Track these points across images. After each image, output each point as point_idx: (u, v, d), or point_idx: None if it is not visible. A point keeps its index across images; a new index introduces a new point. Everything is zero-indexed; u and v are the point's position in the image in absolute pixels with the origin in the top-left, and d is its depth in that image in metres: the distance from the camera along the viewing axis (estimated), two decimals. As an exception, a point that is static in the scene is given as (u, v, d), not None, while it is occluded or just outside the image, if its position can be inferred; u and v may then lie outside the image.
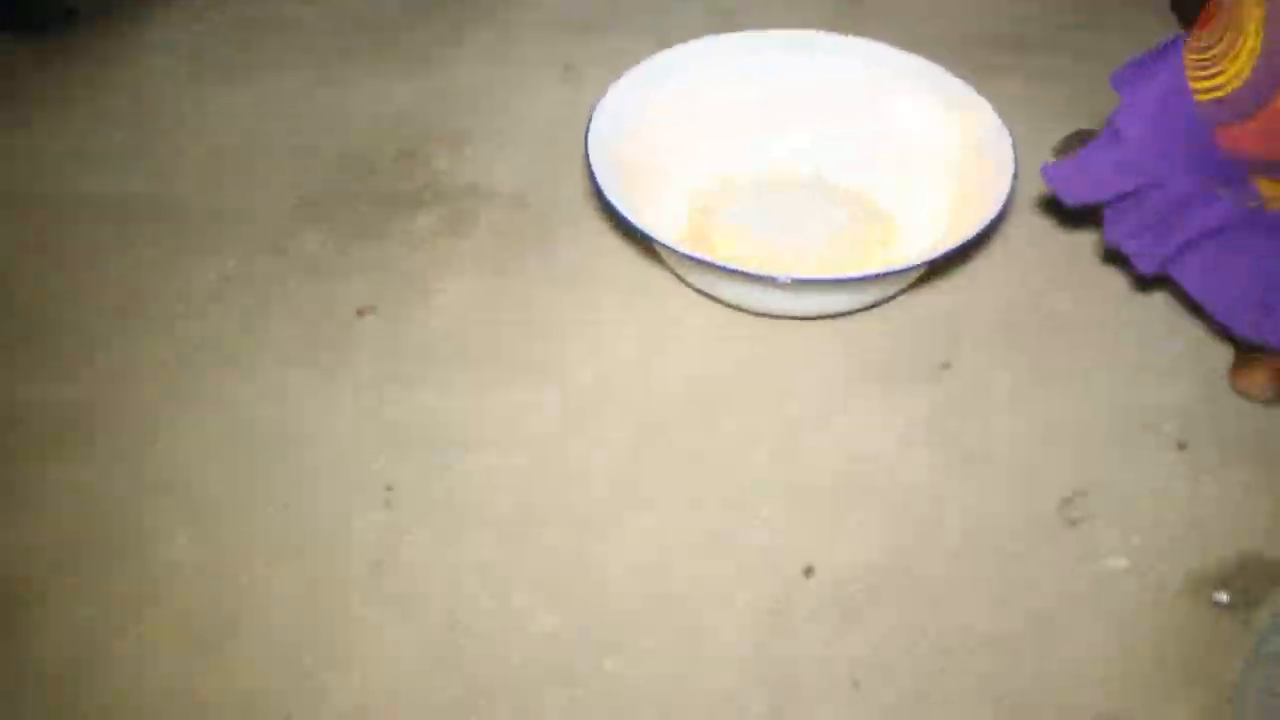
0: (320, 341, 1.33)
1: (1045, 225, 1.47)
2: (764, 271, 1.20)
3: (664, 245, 1.20)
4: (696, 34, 1.65)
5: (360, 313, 1.36)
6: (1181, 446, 1.19)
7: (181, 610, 1.08)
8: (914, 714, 0.99)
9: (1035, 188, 1.46)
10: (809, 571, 1.09)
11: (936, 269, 1.34)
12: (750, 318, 1.33)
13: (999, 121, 1.35)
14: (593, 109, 1.35)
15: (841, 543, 1.12)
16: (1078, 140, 1.55)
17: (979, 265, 1.41)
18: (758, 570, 1.10)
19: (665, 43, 1.54)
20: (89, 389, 1.27)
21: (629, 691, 1.00)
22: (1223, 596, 1.05)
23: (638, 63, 1.45)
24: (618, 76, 1.43)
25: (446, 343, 1.32)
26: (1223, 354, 1.28)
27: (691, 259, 1.19)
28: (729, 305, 1.34)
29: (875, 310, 1.34)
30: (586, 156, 1.27)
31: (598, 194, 1.24)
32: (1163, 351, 1.30)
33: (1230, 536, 1.11)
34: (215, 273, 1.44)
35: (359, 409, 1.25)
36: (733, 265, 1.18)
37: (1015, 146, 1.31)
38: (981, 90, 1.42)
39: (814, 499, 1.17)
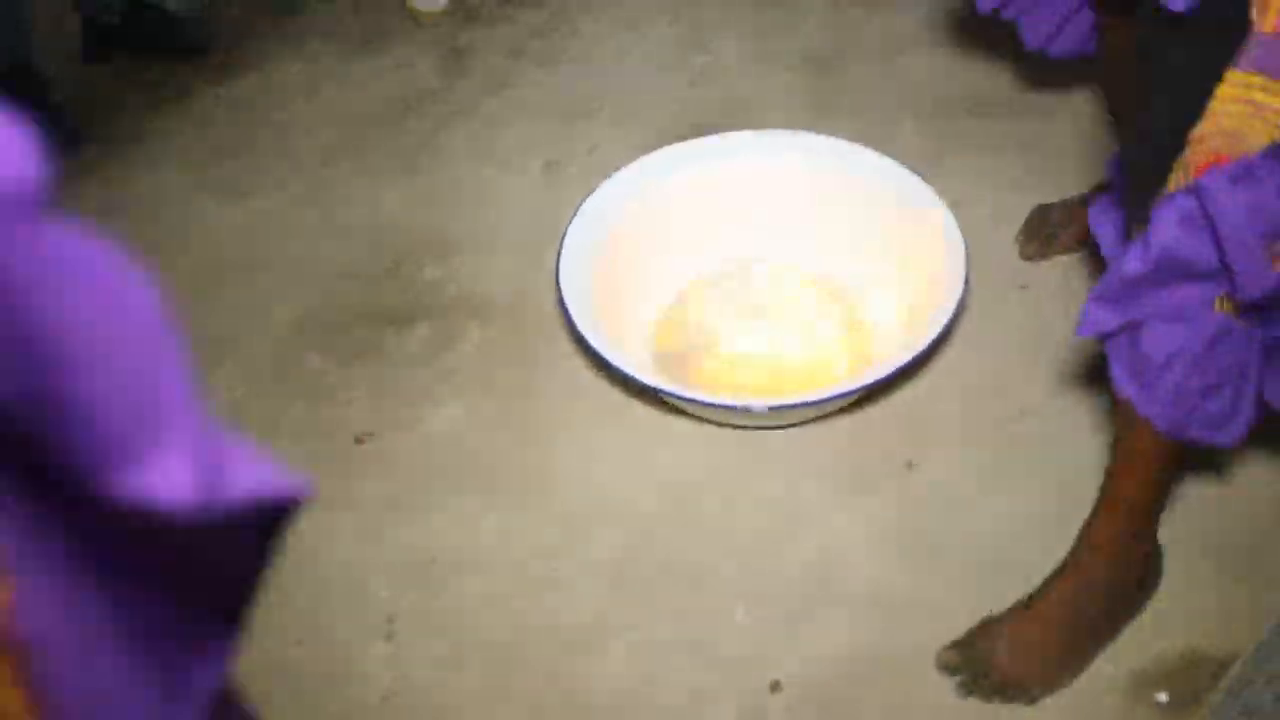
0: (322, 470, 1.43)
1: (1009, 314, 1.53)
2: (740, 402, 1.28)
3: (641, 382, 1.28)
4: (669, 120, 1.73)
5: (359, 440, 1.46)
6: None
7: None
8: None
9: (999, 269, 1.54)
10: (776, 686, 1.17)
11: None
12: (725, 429, 1.41)
13: (954, 226, 1.41)
14: (563, 236, 1.43)
15: (811, 645, 1.21)
16: (1038, 220, 1.62)
17: (943, 358, 1.48)
18: (734, 677, 1.19)
19: (641, 132, 1.62)
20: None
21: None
22: (1163, 696, 1.13)
23: (614, 165, 1.54)
24: (589, 192, 1.50)
25: (440, 467, 1.42)
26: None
27: (667, 394, 1.27)
28: (704, 420, 1.42)
29: (843, 412, 1.42)
30: (560, 296, 1.34)
31: (575, 336, 1.31)
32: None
33: (1177, 633, 1.18)
34: (222, 399, 1.53)
35: (360, 538, 1.35)
36: (709, 399, 1.27)
37: (968, 251, 1.37)
38: (946, 163, 1.49)
39: (785, 602, 1.25)
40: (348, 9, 2.22)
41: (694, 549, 1.30)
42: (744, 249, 1.57)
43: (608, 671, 1.20)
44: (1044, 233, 1.60)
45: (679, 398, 1.28)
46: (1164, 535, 1.26)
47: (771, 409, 1.26)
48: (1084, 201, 1.56)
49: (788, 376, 1.45)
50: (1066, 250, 1.58)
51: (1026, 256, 1.59)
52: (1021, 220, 1.63)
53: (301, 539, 1.33)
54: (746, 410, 1.27)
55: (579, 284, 1.40)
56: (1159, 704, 1.13)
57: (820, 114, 1.86)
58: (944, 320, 1.30)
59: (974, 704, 1.14)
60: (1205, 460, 1.30)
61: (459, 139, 1.91)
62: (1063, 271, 1.57)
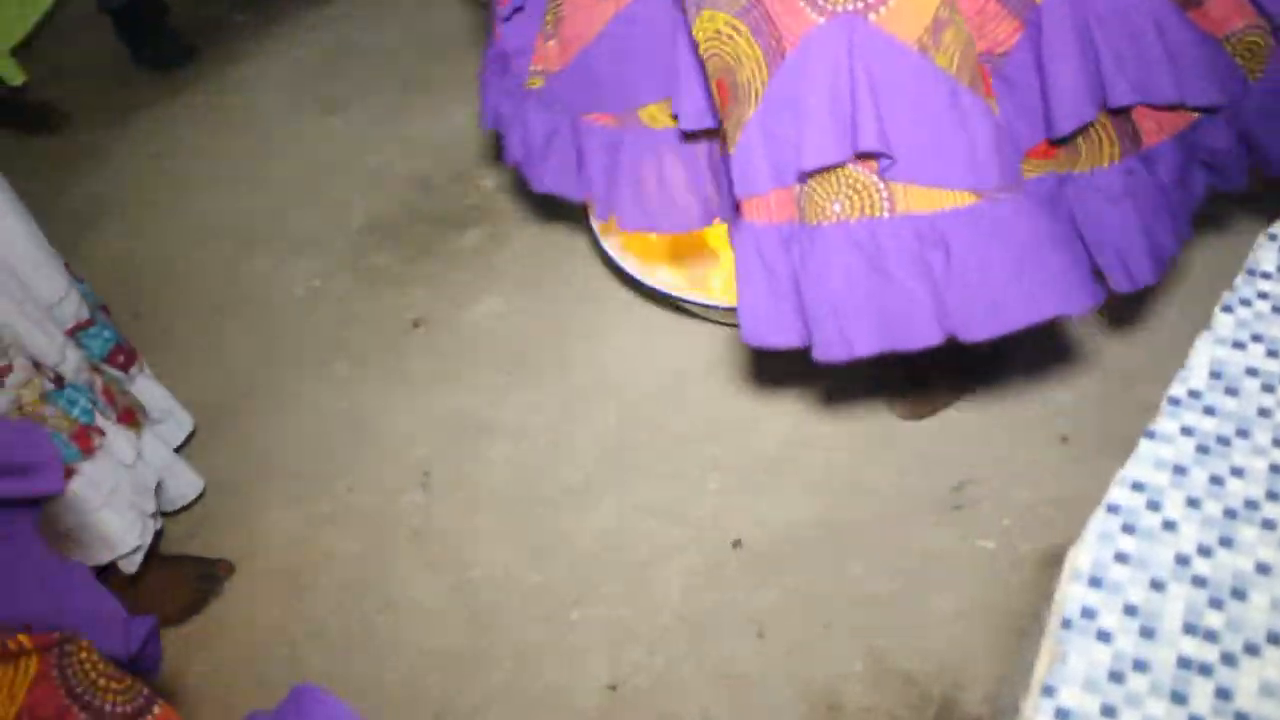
0: (383, 348, 1.69)
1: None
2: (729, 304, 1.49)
3: (652, 288, 1.48)
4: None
5: (415, 324, 1.72)
6: (1064, 440, 1.44)
7: (277, 565, 1.48)
8: (803, 657, 1.30)
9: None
10: (737, 544, 1.40)
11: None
12: (722, 328, 1.62)
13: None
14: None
15: (771, 512, 1.42)
16: None
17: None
18: (700, 536, 1.42)
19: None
20: (199, 385, 1.66)
21: (587, 631, 1.35)
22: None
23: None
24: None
25: (478, 349, 1.66)
26: (1116, 355, 1.50)
27: (661, 294, 1.48)
28: (704, 319, 1.62)
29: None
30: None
31: (596, 246, 1.53)
32: (1064, 352, 1.52)
33: (1087, 520, 1.35)
34: (303, 287, 1.81)
35: (409, 406, 1.61)
36: (716, 302, 1.48)
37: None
38: None
39: (754, 476, 1.47)
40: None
41: (680, 425, 1.52)
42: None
43: (595, 524, 1.44)
44: None
45: (672, 298, 1.49)
46: (1094, 435, 1.43)
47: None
48: None
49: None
50: None
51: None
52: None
53: (361, 405, 1.61)
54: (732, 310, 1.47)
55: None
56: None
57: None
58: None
59: (888, 577, 1.34)
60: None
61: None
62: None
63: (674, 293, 1.49)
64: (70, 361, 1.21)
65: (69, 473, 1.17)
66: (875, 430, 1.49)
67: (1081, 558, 0.70)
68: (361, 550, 1.47)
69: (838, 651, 1.29)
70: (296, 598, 1.44)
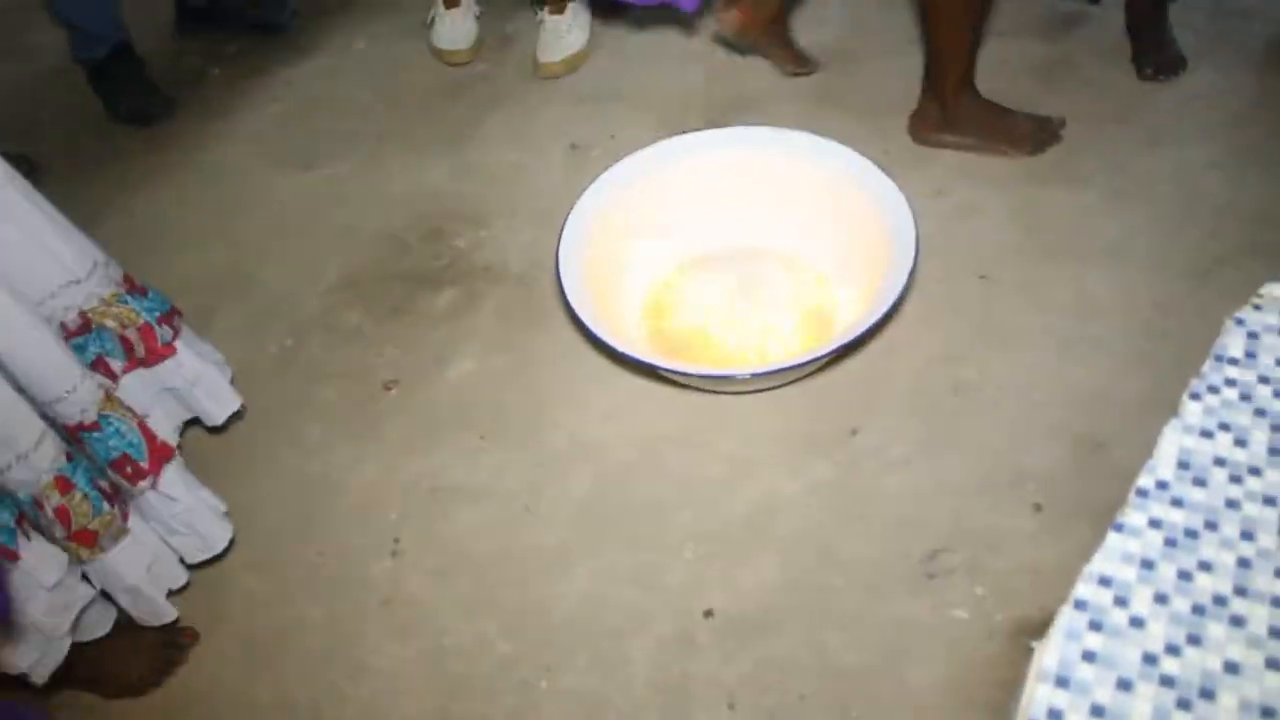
0: (356, 410, 1.68)
1: (965, 300, 1.70)
2: (720, 371, 1.50)
3: (627, 355, 1.47)
4: (682, 111, 1.92)
5: (386, 387, 1.71)
6: (1038, 508, 1.44)
7: (245, 631, 1.45)
8: (777, 729, 1.29)
9: (962, 258, 1.70)
10: (709, 613, 1.39)
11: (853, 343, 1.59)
12: (696, 393, 1.62)
13: (910, 219, 1.56)
14: (564, 222, 1.62)
15: (743, 580, 1.42)
16: None
17: (898, 336, 1.65)
18: (672, 604, 1.41)
19: (656, 121, 1.80)
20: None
21: (558, 702, 1.33)
22: (1035, 643, 1.30)
23: (630, 149, 1.72)
24: (592, 179, 1.70)
25: (451, 414, 1.65)
26: (1088, 422, 1.51)
27: (651, 366, 1.48)
28: (678, 384, 1.62)
29: (801, 382, 1.61)
30: (558, 274, 1.55)
31: (571, 315, 1.51)
32: (1039, 417, 1.53)
33: (1060, 590, 1.35)
34: (276, 346, 1.80)
35: (381, 469, 1.60)
36: (689, 368, 1.48)
37: (918, 242, 1.53)
38: (930, 155, 1.67)
39: (728, 543, 1.46)
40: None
41: (655, 493, 1.52)
42: (730, 234, 1.76)
43: (570, 591, 1.43)
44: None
45: (650, 366, 1.49)
46: (1067, 503, 1.43)
47: (735, 377, 1.47)
48: None
49: (760, 349, 1.64)
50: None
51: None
52: (991, 211, 1.79)
53: (333, 468, 1.59)
54: (724, 378, 1.48)
55: (579, 263, 1.59)
56: (1031, 648, 1.31)
57: (826, 107, 2.03)
58: (885, 306, 1.47)
59: (865, 648, 1.34)
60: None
61: (497, 122, 2.13)
62: (1020, 267, 1.72)
63: (647, 359, 1.49)
64: (24, 470, 1.15)
65: None
66: (848, 495, 1.49)
67: (1048, 656, 0.70)
68: (331, 617, 1.45)
69: (811, 725, 1.28)
70: (264, 666, 1.42)
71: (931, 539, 1.43)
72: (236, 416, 1.56)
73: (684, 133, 1.76)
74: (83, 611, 1.27)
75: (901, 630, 1.35)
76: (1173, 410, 1.48)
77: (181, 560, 1.43)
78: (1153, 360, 1.56)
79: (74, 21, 2.15)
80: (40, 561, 1.19)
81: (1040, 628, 1.32)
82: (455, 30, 2.24)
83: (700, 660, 1.35)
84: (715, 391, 1.62)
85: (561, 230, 1.61)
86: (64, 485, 1.22)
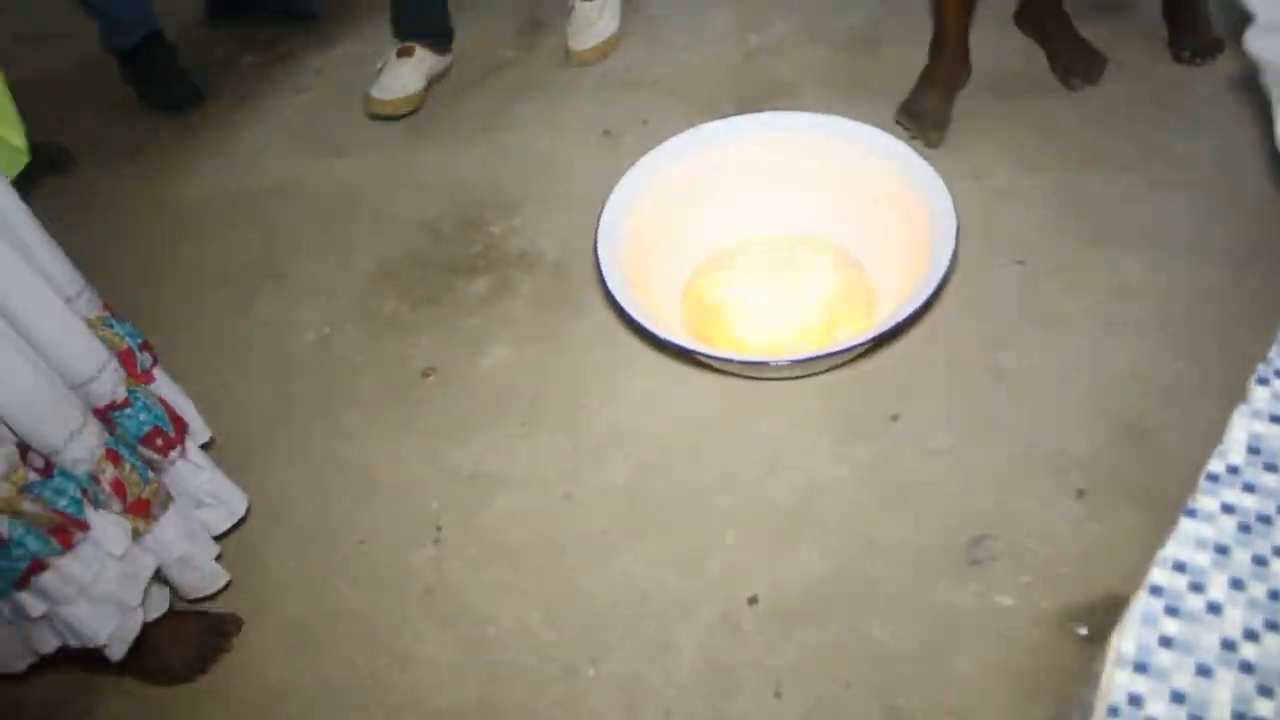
0: (394, 398, 1.68)
1: (1004, 285, 1.69)
2: (759, 358, 1.48)
3: (665, 340, 1.47)
4: (718, 96, 1.91)
5: (425, 374, 1.71)
6: (1080, 494, 1.43)
7: (288, 619, 1.46)
8: (823, 718, 1.29)
9: (1000, 242, 1.69)
10: (753, 600, 1.39)
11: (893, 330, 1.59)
12: (735, 379, 1.62)
13: (950, 203, 1.55)
14: (603, 207, 1.62)
15: (787, 567, 1.42)
16: (914, 121, 1.90)
17: (938, 322, 1.64)
18: (716, 591, 1.41)
19: (688, 107, 1.78)
20: (216, 434, 1.65)
21: (603, 690, 1.33)
22: (1082, 630, 1.30)
23: (664, 136, 1.70)
24: (630, 164, 1.69)
25: (488, 401, 1.66)
26: (1134, 406, 1.50)
27: (685, 350, 1.48)
28: (717, 370, 1.62)
29: (842, 368, 1.61)
30: (597, 260, 1.54)
31: (610, 301, 1.50)
32: (1080, 402, 1.52)
33: (1106, 576, 1.35)
34: (312, 334, 1.80)
35: (420, 458, 1.60)
36: (729, 354, 1.47)
37: (958, 231, 1.52)
38: (966, 139, 1.66)
39: (770, 529, 1.46)
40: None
41: (696, 479, 1.52)
42: (767, 218, 1.75)
43: (611, 578, 1.43)
44: (930, 122, 1.88)
45: (689, 351, 1.48)
46: (1110, 489, 1.42)
47: (773, 364, 1.45)
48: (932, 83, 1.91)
49: (798, 335, 1.63)
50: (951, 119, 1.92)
51: (933, 144, 1.88)
52: (1028, 196, 1.78)
53: (373, 456, 1.60)
54: (762, 364, 1.47)
55: (616, 249, 1.59)
56: (1080, 636, 1.31)
57: (858, 92, 2.02)
58: (927, 292, 1.46)
59: (909, 634, 1.33)
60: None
61: (528, 109, 2.12)
62: (1058, 252, 1.71)
63: (684, 344, 1.49)
64: (78, 447, 1.17)
65: (39, 567, 1.13)
66: (890, 481, 1.48)
67: (1126, 642, 0.69)
68: (373, 605, 1.46)
69: (858, 711, 1.28)
70: (307, 654, 1.42)
71: (975, 525, 1.43)
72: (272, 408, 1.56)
73: (718, 118, 1.75)
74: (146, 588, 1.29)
75: (947, 618, 1.35)
76: (1218, 394, 1.48)
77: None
78: (1193, 346, 1.55)
79: (105, 8, 2.15)
80: (108, 531, 1.21)
81: (1086, 614, 1.33)
82: (395, 80, 2.13)
83: (746, 647, 1.35)
84: (754, 377, 1.62)
85: (599, 215, 1.61)
86: (115, 458, 1.24)
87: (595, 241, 1.58)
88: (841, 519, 1.46)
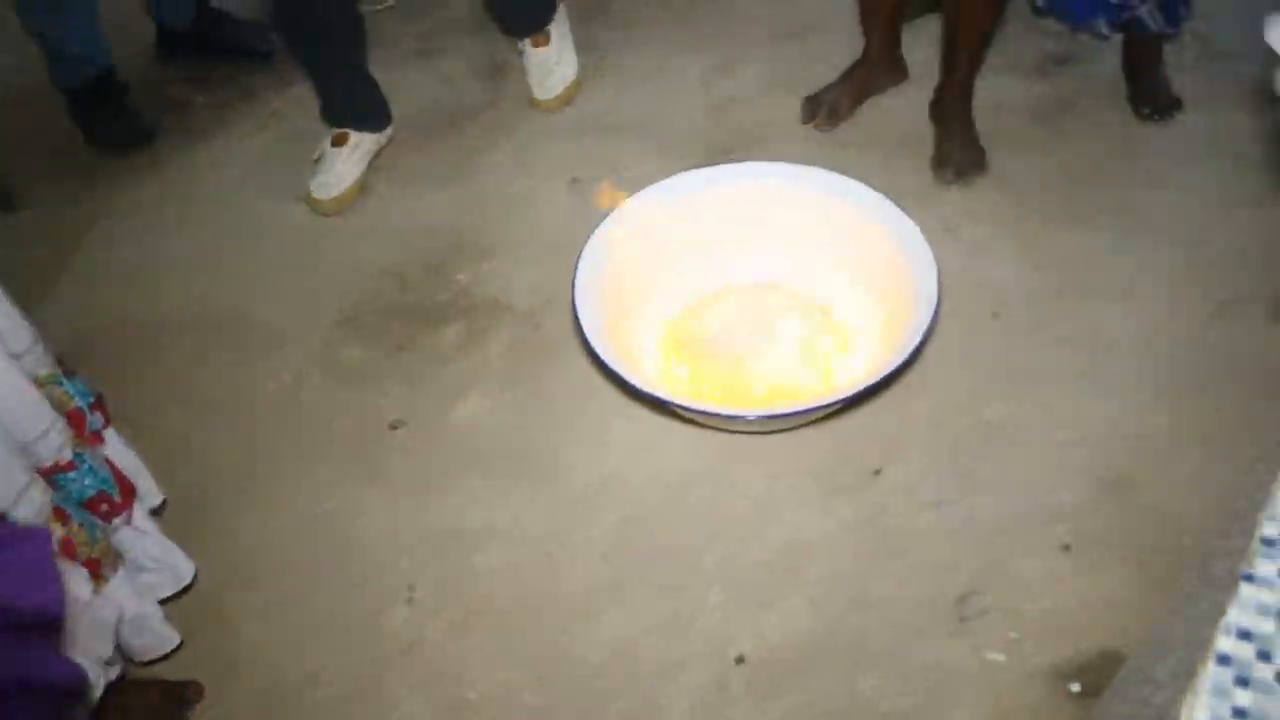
0: (362, 452, 1.63)
1: (981, 340, 1.69)
2: (733, 411, 1.46)
3: (645, 393, 1.45)
4: (687, 144, 1.89)
5: (393, 427, 1.65)
6: (1066, 548, 1.43)
7: (256, 686, 1.39)
8: (818, 780, 1.26)
9: (977, 298, 1.70)
10: (740, 660, 1.36)
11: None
12: (716, 432, 1.59)
13: (930, 255, 1.55)
14: (579, 256, 1.59)
15: (774, 625, 1.39)
16: (812, 106, 2.02)
17: (916, 378, 1.64)
18: (703, 651, 1.37)
19: (659, 156, 1.77)
20: (167, 486, 1.57)
21: (595, 760, 1.29)
22: (1075, 686, 1.29)
23: (633, 184, 1.68)
24: (605, 214, 1.66)
25: (462, 454, 1.61)
26: (1116, 459, 1.51)
27: (667, 403, 1.45)
28: (697, 424, 1.59)
29: (822, 422, 1.59)
30: (575, 310, 1.51)
31: (588, 352, 1.47)
32: (1063, 455, 1.53)
33: (1095, 631, 1.35)
34: (275, 383, 1.74)
35: (391, 513, 1.55)
36: (704, 407, 1.45)
37: (940, 284, 1.52)
38: (936, 193, 1.73)
39: (756, 585, 1.43)
40: (401, 17, 2.41)
41: (680, 535, 1.48)
42: (744, 269, 1.74)
43: (597, 638, 1.39)
44: (824, 109, 2.01)
45: (667, 404, 1.46)
46: (1096, 543, 1.43)
47: (759, 418, 1.44)
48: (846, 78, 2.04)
49: (777, 389, 1.61)
50: (849, 116, 2.05)
51: (822, 127, 2.03)
52: (1001, 250, 1.79)
53: (341, 512, 1.54)
54: (738, 418, 1.45)
55: (593, 298, 1.56)
56: (1073, 692, 1.30)
57: (827, 142, 2.03)
58: (910, 347, 1.45)
59: (901, 692, 1.31)
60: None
61: (496, 154, 2.09)
62: (1033, 305, 1.72)
63: (664, 396, 1.46)
64: (25, 506, 1.11)
65: None
66: (876, 538, 1.47)
67: (1200, 714, 0.68)
68: (346, 669, 1.39)
69: (854, 775, 1.25)
70: (276, 723, 1.35)
71: (963, 581, 1.42)
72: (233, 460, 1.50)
73: (687, 166, 1.74)
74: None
75: (939, 674, 1.33)
76: (1199, 446, 1.49)
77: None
78: (1172, 397, 1.57)
79: (58, 47, 2.07)
80: (73, 578, 1.17)
81: (1078, 670, 1.32)
82: (332, 176, 2.01)
83: (735, 708, 1.32)
84: (732, 431, 1.60)
85: (576, 265, 1.58)
86: (63, 516, 1.19)
87: (573, 292, 1.55)
88: (829, 574, 1.44)
